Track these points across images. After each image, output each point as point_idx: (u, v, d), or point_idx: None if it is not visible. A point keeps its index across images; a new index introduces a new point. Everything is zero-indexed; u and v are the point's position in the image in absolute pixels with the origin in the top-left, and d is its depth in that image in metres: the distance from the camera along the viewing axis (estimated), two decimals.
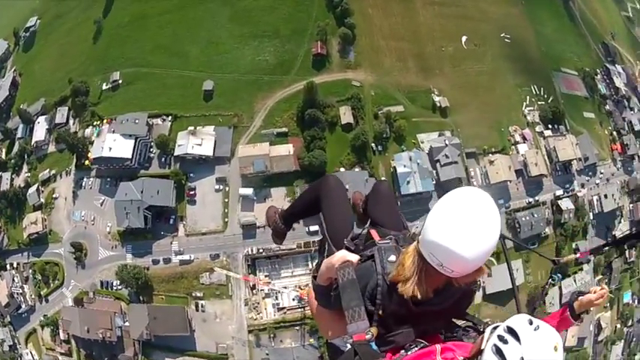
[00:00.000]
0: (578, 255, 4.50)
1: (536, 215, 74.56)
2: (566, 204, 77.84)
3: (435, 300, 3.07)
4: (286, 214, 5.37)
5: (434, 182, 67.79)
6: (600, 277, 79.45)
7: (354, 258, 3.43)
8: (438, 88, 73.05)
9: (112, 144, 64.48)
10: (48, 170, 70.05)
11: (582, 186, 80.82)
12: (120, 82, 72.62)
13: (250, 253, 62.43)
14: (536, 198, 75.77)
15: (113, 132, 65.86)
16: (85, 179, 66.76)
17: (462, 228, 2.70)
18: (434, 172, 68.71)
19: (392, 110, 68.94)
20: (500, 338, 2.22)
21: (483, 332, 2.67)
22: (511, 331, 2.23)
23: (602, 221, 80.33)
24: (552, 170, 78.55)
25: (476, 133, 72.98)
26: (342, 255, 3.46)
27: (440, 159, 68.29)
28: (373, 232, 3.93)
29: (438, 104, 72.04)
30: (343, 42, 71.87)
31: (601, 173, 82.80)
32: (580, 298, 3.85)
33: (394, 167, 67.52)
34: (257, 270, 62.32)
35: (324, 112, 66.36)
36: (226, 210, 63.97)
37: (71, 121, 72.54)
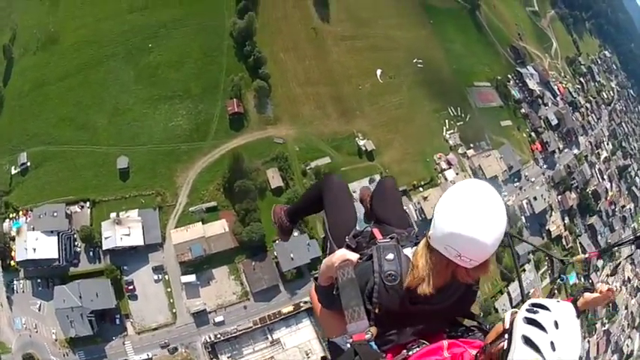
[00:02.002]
0: (587, 255, 4.72)
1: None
2: None
3: (435, 299, 3.07)
4: (291, 212, 5.38)
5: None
6: (544, 270, 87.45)
7: (354, 257, 3.42)
8: (361, 130, 72.35)
9: (35, 244, 59.41)
10: None
11: (510, 194, 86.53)
12: (28, 164, 65.77)
13: (208, 340, 60.78)
14: None
15: (33, 229, 60.24)
16: (15, 282, 61.42)
17: (476, 214, 2.73)
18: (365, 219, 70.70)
19: (319, 164, 67.72)
20: (530, 311, 2.29)
21: (489, 331, 2.77)
22: (537, 304, 2.32)
23: (534, 221, 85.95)
24: None
25: (403, 169, 73.58)
26: (341, 254, 3.45)
27: None
28: (376, 231, 3.91)
29: (364, 148, 71.65)
30: (259, 95, 68.33)
31: (525, 176, 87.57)
32: (585, 295, 3.78)
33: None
34: (219, 354, 61.19)
35: (251, 179, 64.68)
36: (171, 300, 61.27)
37: None
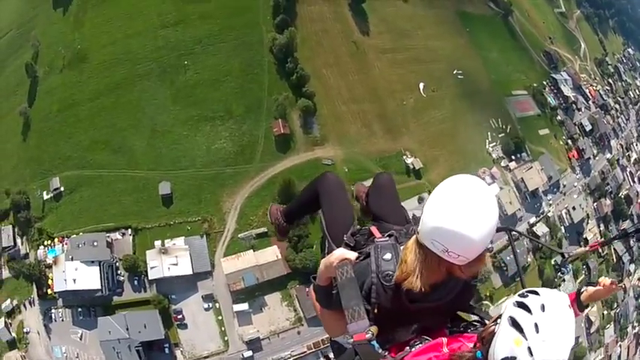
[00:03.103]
0: (587, 248, 4.67)
1: (517, 250, 78.23)
2: (541, 229, 79.03)
3: (433, 296, 2.99)
4: (288, 212, 5.24)
5: None
6: (581, 278, 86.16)
7: (353, 256, 3.29)
8: (408, 148, 68.91)
9: (75, 274, 55.40)
10: (9, 300, 59.76)
11: (550, 205, 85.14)
12: (62, 189, 61.42)
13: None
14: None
15: (72, 259, 56.10)
16: (53, 311, 57.98)
17: (462, 208, 2.64)
18: None
19: (368, 185, 65.64)
20: (521, 295, 2.29)
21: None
22: (530, 290, 2.31)
23: (572, 230, 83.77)
24: (522, 200, 79.97)
25: None
26: (340, 253, 3.30)
27: None
28: (374, 229, 3.74)
29: (411, 166, 68.41)
30: (304, 115, 64.38)
31: (564, 185, 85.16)
32: (588, 288, 3.74)
33: None
34: None
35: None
36: (223, 328, 57.93)
37: (19, 241, 61.67)
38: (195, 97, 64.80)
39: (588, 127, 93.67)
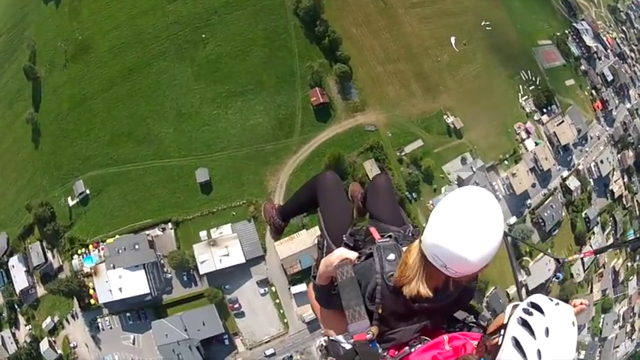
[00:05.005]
0: (582, 255, 4.65)
1: (554, 206, 73.17)
2: (573, 183, 76.54)
3: (435, 297, 2.90)
4: (283, 210, 4.94)
5: None
6: (608, 230, 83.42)
7: (353, 255, 3.20)
8: (447, 107, 62.87)
9: (120, 282, 49.15)
10: (49, 318, 53.71)
11: (579, 158, 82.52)
12: (87, 192, 54.22)
13: (324, 342, 54.62)
14: (549, 187, 73.02)
15: (113, 267, 49.52)
16: (99, 319, 52.26)
17: (465, 231, 2.50)
18: None
19: (413, 149, 58.86)
20: (526, 311, 2.21)
21: (486, 326, 2.81)
22: (534, 305, 2.23)
23: (600, 183, 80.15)
24: (555, 154, 78.43)
25: (490, 144, 65.28)
26: (340, 253, 3.21)
27: None
28: (372, 230, 3.59)
29: (452, 126, 63.18)
30: (341, 80, 57.53)
31: (591, 137, 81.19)
32: None
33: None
34: None
35: (349, 173, 57.25)
36: (281, 310, 52.97)
37: (50, 255, 54.77)
38: (220, 72, 57.70)
39: (610, 77, 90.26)
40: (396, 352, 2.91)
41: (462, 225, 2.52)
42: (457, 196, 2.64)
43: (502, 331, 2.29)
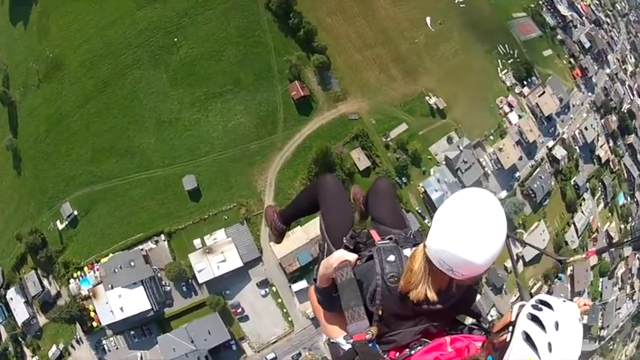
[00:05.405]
0: (584, 255, 4.08)
1: (542, 176, 72.82)
2: (559, 152, 76.57)
3: (437, 299, 2.89)
4: (285, 214, 4.87)
5: None
6: (598, 195, 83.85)
7: (353, 257, 3.23)
8: (429, 88, 61.99)
9: (120, 302, 48.11)
10: (54, 347, 52.67)
11: (563, 127, 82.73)
12: (75, 213, 52.82)
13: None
14: (536, 158, 72.99)
15: (111, 287, 48.31)
16: (104, 341, 51.19)
17: (472, 235, 2.50)
18: (457, 180, 63.67)
19: (398, 133, 57.96)
20: (535, 307, 2.22)
21: (488, 329, 2.87)
22: (543, 302, 2.25)
23: (586, 149, 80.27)
24: (539, 125, 78.45)
25: (473, 121, 64.66)
26: (339, 255, 3.24)
27: (460, 167, 60.71)
28: (373, 232, 3.60)
29: (435, 106, 62.30)
30: (320, 71, 56.32)
31: (573, 105, 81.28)
32: None
33: (424, 194, 60.24)
34: None
35: (336, 164, 56.52)
36: (284, 310, 52.22)
37: (46, 282, 53.64)
38: (197, 75, 56.30)
39: (587, 44, 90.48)
40: (397, 354, 2.91)
41: (468, 229, 2.51)
42: (459, 199, 2.63)
43: (510, 328, 2.26)
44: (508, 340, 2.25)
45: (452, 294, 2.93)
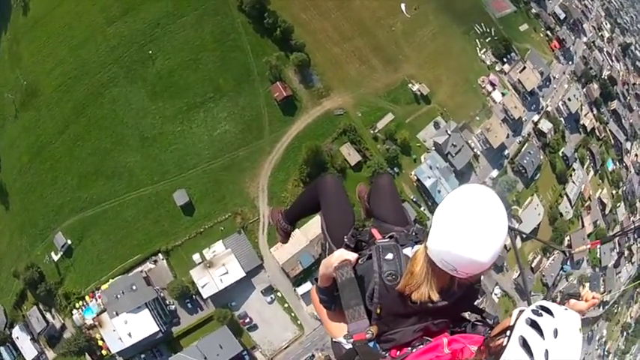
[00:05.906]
0: (589, 245, 4.19)
1: (531, 151, 72.60)
2: (545, 125, 76.56)
3: (438, 299, 2.86)
4: (289, 213, 4.85)
5: (453, 175, 62.64)
6: (587, 164, 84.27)
7: (353, 256, 3.18)
8: (410, 75, 61.07)
9: (128, 328, 47.14)
10: None
11: (547, 99, 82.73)
12: (69, 242, 51.46)
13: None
14: (523, 134, 72.78)
15: (116, 314, 47.19)
16: None
17: (474, 233, 2.46)
18: (448, 165, 63.43)
19: (385, 123, 57.18)
20: (535, 312, 2.16)
21: (493, 325, 2.81)
22: (544, 308, 2.19)
23: (571, 119, 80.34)
24: (523, 101, 78.42)
25: (458, 104, 64.08)
26: (339, 254, 3.20)
27: (449, 151, 60.11)
28: (374, 231, 3.57)
29: (419, 93, 61.62)
30: (300, 69, 55.17)
31: (554, 77, 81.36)
32: (571, 302, 3.29)
33: (417, 182, 60.13)
34: None
35: (328, 162, 55.64)
36: (292, 313, 51.52)
37: (49, 317, 52.34)
38: (175, 86, 54.76)
39: (562, 15, 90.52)
40: (398, 353, 2.86)
41: (470, 228, 2.46)
42: (457, 197, 2.57)
43: (508, 332, 2.20)
44: (504, 344, 2.15)
45: (453, 292, 2.87)
